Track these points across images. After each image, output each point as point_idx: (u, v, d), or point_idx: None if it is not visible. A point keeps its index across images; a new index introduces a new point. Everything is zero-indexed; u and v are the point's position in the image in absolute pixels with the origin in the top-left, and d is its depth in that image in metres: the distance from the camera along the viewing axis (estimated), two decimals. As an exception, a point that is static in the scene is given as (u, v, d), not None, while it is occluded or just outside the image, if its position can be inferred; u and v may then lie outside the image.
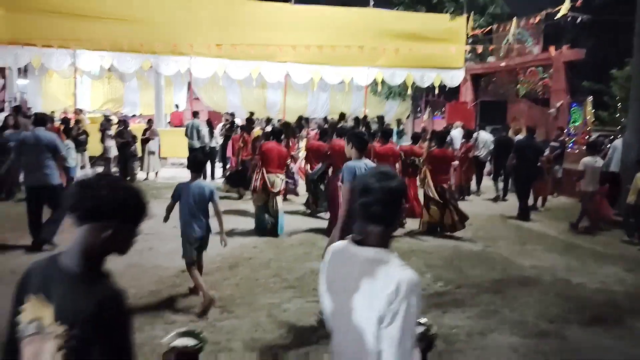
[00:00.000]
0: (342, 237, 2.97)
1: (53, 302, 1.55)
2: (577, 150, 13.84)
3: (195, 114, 13.88)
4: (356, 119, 13.47)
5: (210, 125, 13.57)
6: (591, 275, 6.50)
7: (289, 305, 5.12)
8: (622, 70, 14.79)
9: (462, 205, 11.13)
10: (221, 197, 10.31)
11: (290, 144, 10.28)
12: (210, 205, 5.24)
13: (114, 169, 13.00)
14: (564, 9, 12.55)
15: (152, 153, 13.03)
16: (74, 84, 15.15)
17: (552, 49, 14.49)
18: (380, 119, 14.56)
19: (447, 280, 6.04)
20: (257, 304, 5.10)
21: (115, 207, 1.61)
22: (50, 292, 1.57)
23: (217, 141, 13.65)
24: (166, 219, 5.37)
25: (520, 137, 11.71)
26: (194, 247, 5.24)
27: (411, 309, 1.66)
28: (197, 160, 5.48)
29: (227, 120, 15.05)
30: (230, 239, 7.48)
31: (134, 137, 13.03)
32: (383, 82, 16.94)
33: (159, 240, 7.40)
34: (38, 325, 1.56)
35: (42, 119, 7.04)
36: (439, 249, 7.44)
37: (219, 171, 13.93)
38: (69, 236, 1.68)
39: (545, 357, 4.30)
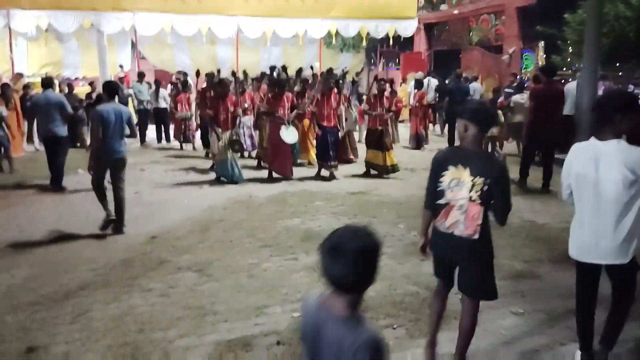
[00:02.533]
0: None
1: (467, 167, 2.96)
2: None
3: (140, 76, 13.30)
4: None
5: (158, 85, 13.03)
6: (555, 216, 6.74)
7: (268, 264, 5.07)
8: (575, 14, 15.07)
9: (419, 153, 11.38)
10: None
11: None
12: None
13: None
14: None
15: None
16: (10, 47, 14.11)
17: (504, -6, 14.57)
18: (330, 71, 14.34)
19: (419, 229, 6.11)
20: (235, 266, 5.02)
21: None
22: (465, 163, 2.97)
23: (167, 101, 13.15)
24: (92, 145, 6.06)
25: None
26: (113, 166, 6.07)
27: None
28: (111, 85, 6.37)
29: (178, 79, 14.51)
30: (199, 201, 7.40)
31: (80, 101, 12.42)
32: (337, 33, 16.66)
33: (122, 207, 7.15)
34: (458, 181, 2.99)
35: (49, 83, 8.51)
36: (408, 200, 7.52)
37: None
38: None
39: (522, 295, 4.46)
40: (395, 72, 19.94)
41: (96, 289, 4.53)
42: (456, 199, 3.00)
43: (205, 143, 10.68)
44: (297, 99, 9.35)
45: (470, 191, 2.95)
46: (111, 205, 6.11)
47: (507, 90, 12.06)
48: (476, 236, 2.99)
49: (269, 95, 9.19)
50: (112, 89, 6.25)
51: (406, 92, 14.22)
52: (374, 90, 9.35)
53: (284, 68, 10.37)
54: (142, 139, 12.73)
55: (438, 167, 3.10)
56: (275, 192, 7.95)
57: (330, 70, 11.19)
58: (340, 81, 10.26)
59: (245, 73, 12.82)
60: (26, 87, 11.67)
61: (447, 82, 14.19)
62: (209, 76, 10.03)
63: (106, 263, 5.11)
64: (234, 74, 9.98)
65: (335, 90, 9.15)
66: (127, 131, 6.21)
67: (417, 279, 4.70)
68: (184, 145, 12.36)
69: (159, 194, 7.93)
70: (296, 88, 10.58)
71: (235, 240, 5.75)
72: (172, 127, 12.86)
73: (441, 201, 3.08)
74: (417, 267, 4.95)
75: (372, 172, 9.29)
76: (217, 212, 6.87)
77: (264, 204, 7.33)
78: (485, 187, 2.91)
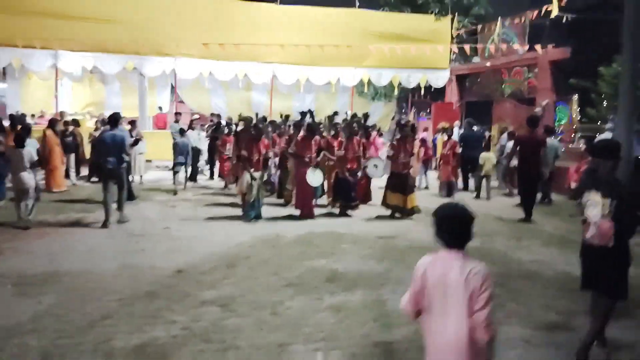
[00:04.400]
0: None
1: (599, 191, 3.74)
2: (564, 149, 13.97)
3: (177, 115, 13.67)
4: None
5: (189, 126, 13.18)
6: (591, 269, 6.48)
7: (292, 302, 4.99)
8: (609, 67, 14.99)
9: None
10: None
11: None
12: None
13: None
14: (554, 8, 12.70)
15: (142, 154, 12.76)
16: (55, 86, 14.81)
17: (538, 48, 14.62)
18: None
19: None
20: (259, 303, 4.96)
21: None
22: (597, 187, 3.75)
23: (202, 141, 13.44)
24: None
25: (504, 135, 12.85)
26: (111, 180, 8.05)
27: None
28: (114, 116, 8.40)
29: (212, 121, 14.91)
30: (226, 238, 7.43)
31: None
32: (369, 82, 16.94)
33: (151, 241, 7.25)
34: (593, 202, 3.77)
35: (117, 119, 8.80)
36: (438, 246, 7.36)
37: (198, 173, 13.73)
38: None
39: (556, 347, 4.25)
40: (426, 122, 20.01)
41: (120, 318, 4.52)
42: (591, 216, 3.81)
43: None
44: (331, 144, 9.53)
45: (602, 209, 3.74)
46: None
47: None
48: (610, 244, 3.71)
49: (298, 138, 9.35)
50: (115, 119, 8.28)
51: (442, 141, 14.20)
52: (397, 135, 9.53)
53: (311, 113, 10.58)
54: (194, 177, 13.07)
55: (580, 192, 4.01)
56: (302, 233, 7.92)
57: (335, 114, 12.07)
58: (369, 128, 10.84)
59: (287, 117, 13.19)
60: (66, 123, 12.11)
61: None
62: (246, 120, 10.06)
63: (131, 294, 5.12)
64: (265, 119, 10.62)
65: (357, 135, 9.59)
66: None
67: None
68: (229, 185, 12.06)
69: (188, 229, 7.99)
70: (324, 132, 10.67)
71: (260, 278, 5.71)
72: (217, 165, 13.23)
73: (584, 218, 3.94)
74: (445, 313, 4.80)
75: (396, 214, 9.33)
76: (244, 250, 6.86)
77: (291, 243, 7.30)
78: (613, 207, 3.69)
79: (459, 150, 12.29)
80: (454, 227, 2.60)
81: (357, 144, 9.50)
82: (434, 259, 2.63)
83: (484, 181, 11.76)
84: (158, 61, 14.68)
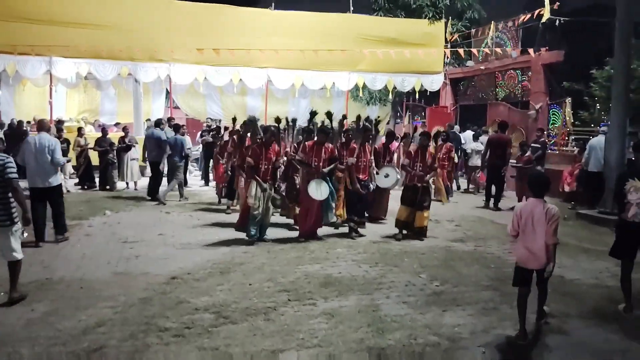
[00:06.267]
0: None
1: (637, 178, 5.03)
2: (558, 152, 14.04)
3: (168, 120, 13.35)
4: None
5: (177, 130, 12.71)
6: (585, 272, 6.52)
7: (285, 308, 4.99)
8: (602, 71, 15.05)
9: (447, 206, 11.25)
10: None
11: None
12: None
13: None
14: (546, 12, 12.76)
15: (135, 160, 12.74)
16: (49, 93, 14.78)
17: (531, 51, 14.70)
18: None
19: (443, 279, 5.99)
20: (252, 309, 4.95)
21: None
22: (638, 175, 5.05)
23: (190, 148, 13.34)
24: None
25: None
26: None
27: None
28: (42, 122, 7.60)
29: (208, 126, 14.88)
30: (220, 244, 7.42)
31: (112, 144, 12.78)
32: (364, 86, 17.00)
33: (145, 247, 7.24)
34: (636, 187, 5.00)
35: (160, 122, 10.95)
36: (431, 250, 7.39)
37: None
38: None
39: (550, 351, 4.26)
40: (421, 126, 20.04)
41: (113, 325, 4.51)
42: (634, 199, 5.00)
43: (231, 195, 10.08)
44: (342, 152, 8.36)
45: None
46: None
47: (533, 145, 11.99)
48: None
49: (307, 144, 8.09)
50: (43, 124, 7.53)
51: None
52: (414, 145, 8.55)
53: (315, 113, 9.26)
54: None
55: (622, 179, 5.17)
56: (294, 238, 7.93)
57: (344, 118, 9.62)
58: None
59: (293, 121, 10.12)
60: (59, 130, 12.08)
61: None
62: (252, 122, 8.52)
63: (125, 301, 5.10)
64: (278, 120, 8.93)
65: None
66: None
67: (438, 329, 4.55)
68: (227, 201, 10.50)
69: (182, 236, 7.97)
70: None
71: (254, 284, 5.69)
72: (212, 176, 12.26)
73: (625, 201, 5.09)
74: (438, 318, 4.81)
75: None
76: (238, 256, 6.85)
77: (285, 249, 7.29)
78: None
79: (454, 155, 12.39)
80: (539, 186, 4.50)
81: (369, 151, 8.44)
82: (525, 204, 4.53)
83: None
84: (153, 67, 14.72)
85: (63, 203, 7.66)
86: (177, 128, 11.38)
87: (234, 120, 10.44)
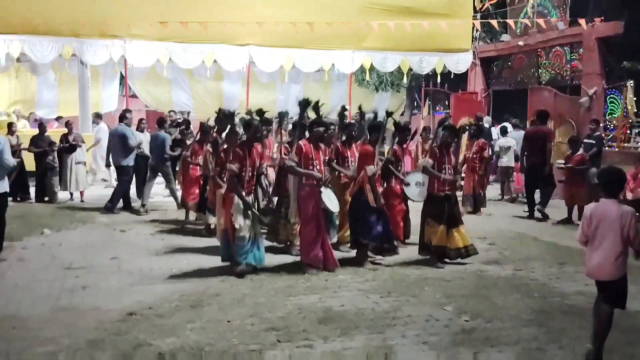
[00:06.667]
0: None
1: None
2: (618, 149, 14.09)
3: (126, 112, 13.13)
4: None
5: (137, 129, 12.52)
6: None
7: (274, 352, 5.00)
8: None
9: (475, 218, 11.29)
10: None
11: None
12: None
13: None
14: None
15: (80, 163, 12.66)
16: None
17: (583, 22, 14.74)
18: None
19: (473, 312, 6.01)
20: (232, 353, 4.96)
21: None
22: None
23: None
24: None
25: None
26: None
27: None
28: None
29: (174, 120, 14.79)
30: (190, 271, 7.43)
31: (52, 144, 12.69)
32: (372, 68, 17.05)
33: (94, 275, 7.25)
34: None
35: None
36: (459, 275, 7.41)
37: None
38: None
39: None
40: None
41: (54, 376, 4.51)
42: None
43: (203, 208, 9.90)
44: (344, 153, 8.36)
45: None
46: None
47: (586, 140, 12.03)
48: None
49: (300, 143, 7.64)
50: None
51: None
52: (437, 142, 8.34)
53: (307, 102, 8.32)
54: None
55: None
56: (287, 260, 7.97)
57: (344, 109, 9.39)
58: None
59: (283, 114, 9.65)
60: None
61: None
62: (228, 117, 8.47)
63: (69, 345, 5.10)
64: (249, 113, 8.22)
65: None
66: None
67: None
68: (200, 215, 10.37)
69: (142, 261, 7.99)
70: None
71: (233, 321, 5.71)
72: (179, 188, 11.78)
73: None
74: (468, 362, 4.83)
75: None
76: (213, 285, 6.86)
77: (273, 275, 7.31)
78: None
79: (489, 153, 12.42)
80: (613, 183, 4.91)
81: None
82: (596, 205, 4.86)
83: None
84: (103, 45, 14.73)
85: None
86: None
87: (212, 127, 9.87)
